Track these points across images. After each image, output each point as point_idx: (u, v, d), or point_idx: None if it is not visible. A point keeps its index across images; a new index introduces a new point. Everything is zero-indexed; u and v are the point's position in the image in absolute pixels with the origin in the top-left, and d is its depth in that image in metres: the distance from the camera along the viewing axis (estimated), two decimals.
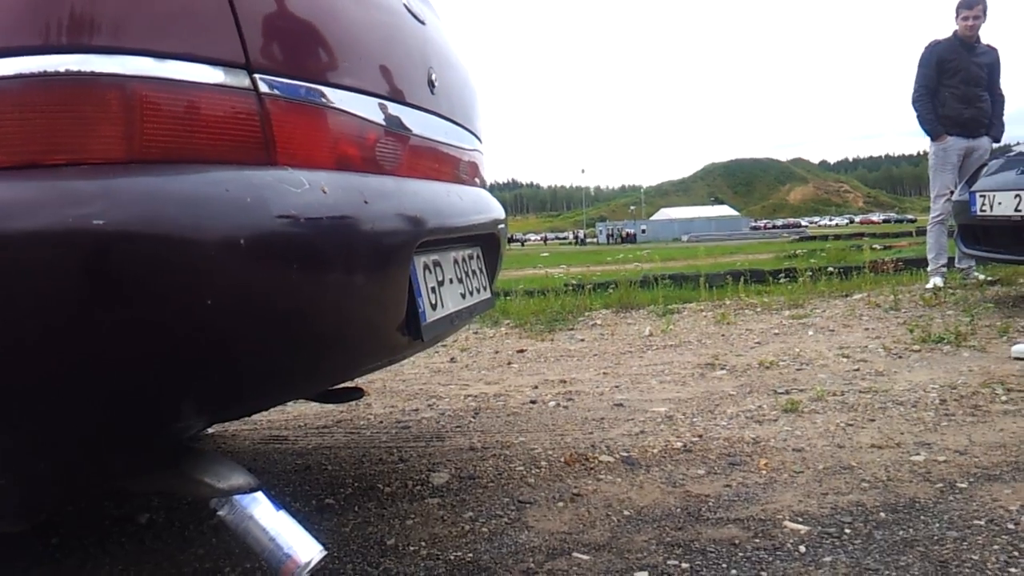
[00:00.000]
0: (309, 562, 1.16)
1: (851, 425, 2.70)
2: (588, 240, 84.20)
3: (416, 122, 1.66)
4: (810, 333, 4.79)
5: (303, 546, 1.17)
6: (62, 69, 0.97)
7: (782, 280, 7.73)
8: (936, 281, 6.33)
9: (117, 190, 0.94)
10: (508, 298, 7.32)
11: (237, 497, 1.17)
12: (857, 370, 3.61)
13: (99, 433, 1.06)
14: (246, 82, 1.14)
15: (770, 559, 1.71)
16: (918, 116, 6.41)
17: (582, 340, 5.20)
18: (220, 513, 1.18)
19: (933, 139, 6.37)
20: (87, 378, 0.99)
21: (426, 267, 1.66)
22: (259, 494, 1.19)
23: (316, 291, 1.19)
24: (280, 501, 1.24)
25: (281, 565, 1.16)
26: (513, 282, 8.60)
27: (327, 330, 1.28)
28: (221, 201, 1.03)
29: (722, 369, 3.87)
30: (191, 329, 1.01)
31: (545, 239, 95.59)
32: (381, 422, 3.14)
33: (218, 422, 1.39)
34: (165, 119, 1.02)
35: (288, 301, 1.14)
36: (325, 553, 1.21)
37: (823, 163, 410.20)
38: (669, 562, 1.71)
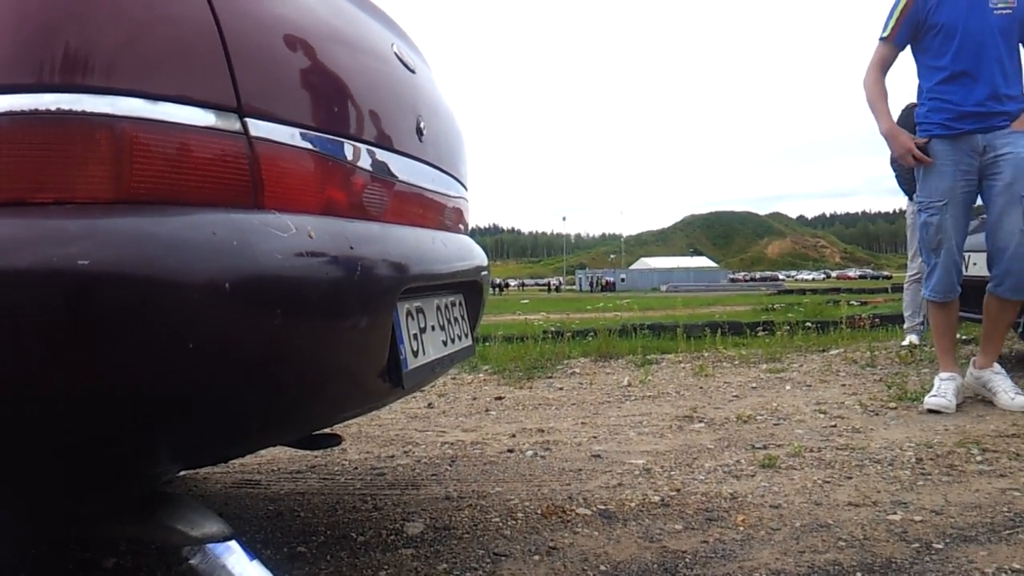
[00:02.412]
0: None
1: (828, 482, 2.69)
2: (564, 288, 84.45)
3: (404, 169, 1.67)
4: (787, 388, 4.80)
5: None
6: (53, 108, 0.96)
7: (760, 333, 7.77)
8: (912, 339, 6.38)
9: (103, 230, 0.94)
10: (487, 344, 7.30)
11: (210, 545, 1.15)
12: (834, 426, 3.61)
13: (71, 476, 1.03)
14: (236, 125, 1.14)
15: None
16: (896, 176, 6.52)
17: (561, 388, 5.18)
18: (192, 562, 1.15)
19: (911, 199, 6.48)
20: (62, 419, 0.97)
21: (409, 313, 1.66)
22: (233, 543, 1.16)
23: (299, 336, 1.18)
24: (252, 549, 1.21)
25: None
26: (492, 327, 8.59)
27: (309, 376, 1.26)
28: (207, 244, 1.02)
29: (700, 422, 3.86)
30: (171, 373, 1.00)
31: (523, 285, 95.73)
32: (356, 468, 3.10)
33: (193, 468, 1.36)
34: (154, 160, 1.02)
35: (271, 346, 1.12)
36: None
37: (801, 218, 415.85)
38: None
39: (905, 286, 6.67)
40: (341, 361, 1.36)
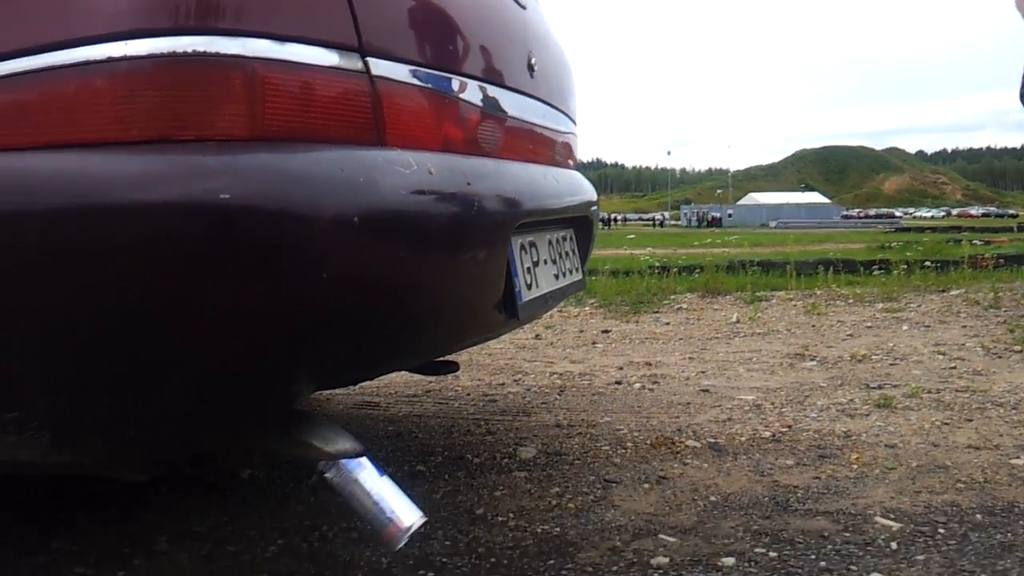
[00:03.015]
0: (410, 527, 1.21)
1: (947, 424, 2.63)
2: (668, 223, 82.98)
3: (516, 105, 1.69)
4: (904, 328, 4.67)
5: (405, 511, 1.22)
6: (190, 50, 1.01)
7: (875, 272, 7.51)
8: None
9: (240, 166, 1.00)
10: (593, 278, 7.31)
11: (343, 461, 1.23)
12: (954, 368, 3.50)
13: (218, 396, 1.12)
14: (359, 65, 1.18)
15: (860, 554, 1.69)
16: None
17: (667, 323, 5.18)
18: (327, 476, 1.24)
19: None
20: (210, 344, 1.05)
21: (522, 247, 1.69)
22: (364, 459, 1.24)
23: (421, 268, 1.24)
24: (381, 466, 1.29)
25: (383, 528, 1.21)
26: (599, 261, 8.58)
27: (430, 306, 1.32)
28: (337, 180, 1.07)
29: (812, 360, 3.80)
30: (307, 301, 1.06)
31: (625, 219, 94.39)
32: (468, 394, 3.21)
33: (326, 389, 1.45)
34: (284, 99, 1.07)
35: (396, 278, 1.18)
36: (425, 519, 1.25)
37: (920, 153, 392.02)
38: (756, 550, 1.71)
39: None
40: (460, 292, 1.41)
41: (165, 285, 1.00)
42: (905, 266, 7.30)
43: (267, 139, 1.04)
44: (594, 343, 4.50)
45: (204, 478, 2.18)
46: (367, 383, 3.31)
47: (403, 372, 3.39)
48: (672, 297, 6.43)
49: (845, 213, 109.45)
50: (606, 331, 4.88)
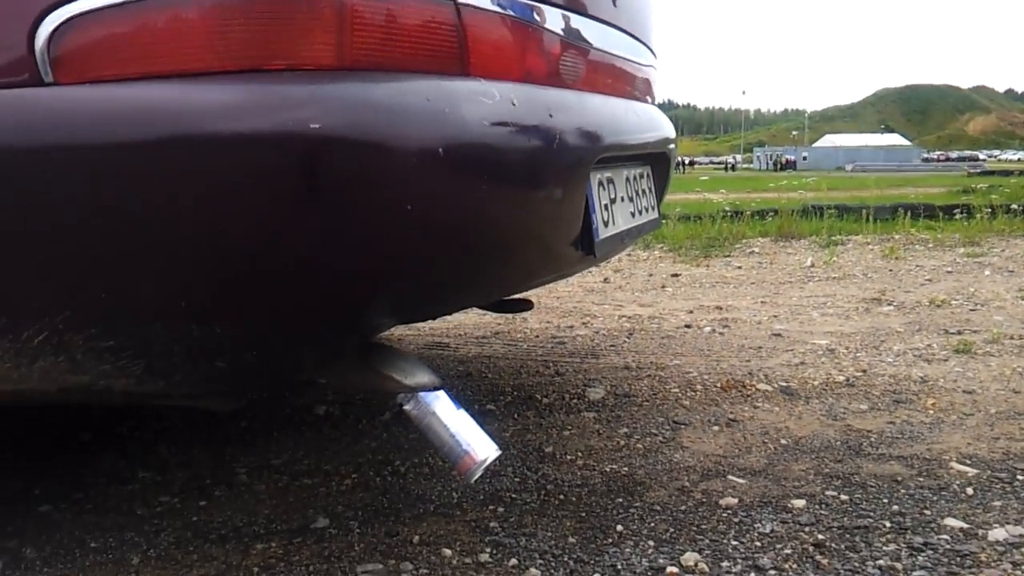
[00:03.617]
0: (485, 460, 1.23)
1: None
2: (741, 166, 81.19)
3: (598, 35, 1.65)
4: (986, 273, 4.51)
5: (480, 445, 1.23)
6: None
7: (957, 216, 7.26)
8: None
9: (330, 96, 1.00)
10: (664, 222, 7.23)
11: (421, 394, 1.25)
12: None
13: (303, 327, 1.14)
14: None
15: (934, 498, 1.66)
16: None
17: (739, 267, 5.10)
18: (406, 408, 1.26)
19: None
20: (297, 275, 1.06)
21: (600, 184, 1.67)
22: (441, 392, 1.26)
23: (502, 201, 1.23)
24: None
25: (459, 460, 1.23)
26: (668, 206, 8.46)
27: (510, 240, 1.32)
28: (422, 110, 1.06)
29: (889, 305, 3.71)
30: (392, 233, 1.07)
31: (692, 163, 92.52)
32: (537, 336, 3.22)
33: (407, 322, 1.47)
34: (371, 28, 1.06)
35: (477, 210, 1.18)
36: (500, 453, 1.27)
37: (1009, 92, 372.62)
38: (827, 492, 1.70)
39: None
40: (539, 227, 1.40)
41: (254, 215, 1.01)
42: (989, 210, 7.02)
43: (355, 69, 1.03)
44: (663, 287, 4.46)
45: (281, 413, 2.24)
46: (437, 324, 3.35)
47: (473, 313, 3.43)
48: (744, 241, 6.32)
49: (926, 156, 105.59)
50: (676, 275, 4.83)
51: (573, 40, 1.52)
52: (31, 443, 2.05)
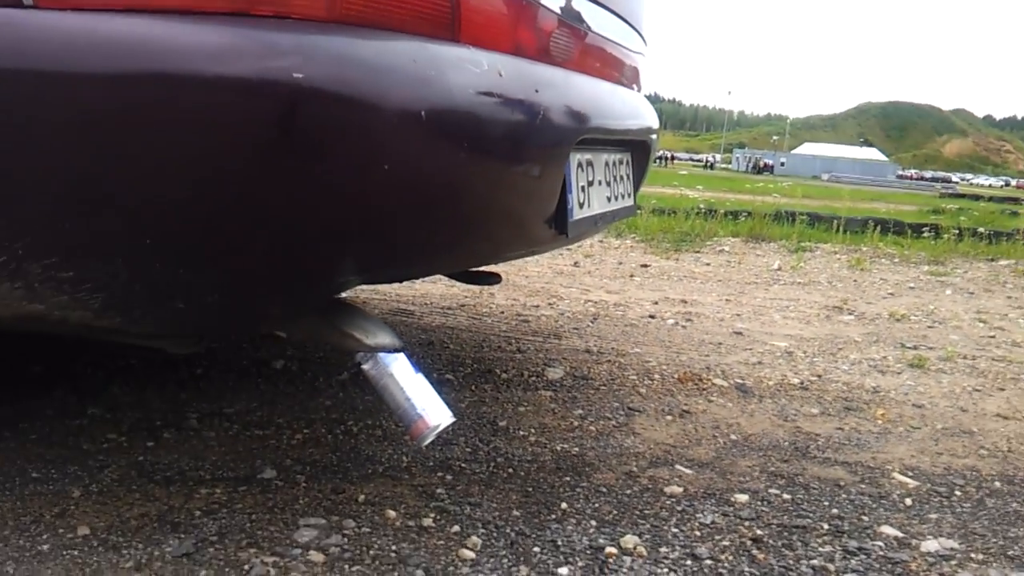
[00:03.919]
0: (438, 425, 1.23)
1: (978, 391, 2.61)
2: (719, 166, 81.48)
3: (591, 16, 1.65)
4: (947, 292, 4.59)
5: (435, 410, 1.24)
6: None
7: (925, 234, 7.37)
8: None
9: (316, 47, 0.99)
10: (638, 211, 7.25)
11: (381, 355, 1.24)
12: (993, 337, 3.46)
13: (268, 276, 1.13)
14: None
15: (873, 505, 1.70)
16: None
17: (707, 264, 5.14)
18: (364, 367, 1.25)
19: None
20: (266, 223, 1.06)
21: (579, 165, 1.67)
22: (401, 355, 1.26)
23: (480, 171, 1.23)
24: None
25: (413, 423, 1.23)
26: (643, 198, 8.50)
27: (484, 211, 1.32)
28: (408, 72, 1.06)
29: (850, 314, 3.77)
30: (366, 190, 1.06)
31: (674, 158, 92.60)
32: (502, 312, 3.22)
33: (373, 283, 1.46)
34: None
35: (454, 177, 1.17)
36: (454, 420, 1.27)
37: (988, 118, 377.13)
38: (771, 490, 1.73)
39: None
40: (514, 201, 1.40)
41: (229, 159, 1.00)
42: (956, 232, 7.13)
43: (344, 23, 1.02)
44: (632, 276, 4.48)
45: (238, 363, 2.23)
46: (403, 291, 3.35)
47: (440, 283, 3.43)
48: (715, 239, 6.37)
49: (900, 173, 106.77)
50: (645, 265, 4.86)
51: (566, 18, 1.51)
52: None
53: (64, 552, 1.27)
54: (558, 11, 1.48)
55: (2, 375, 2.01)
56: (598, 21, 1.69)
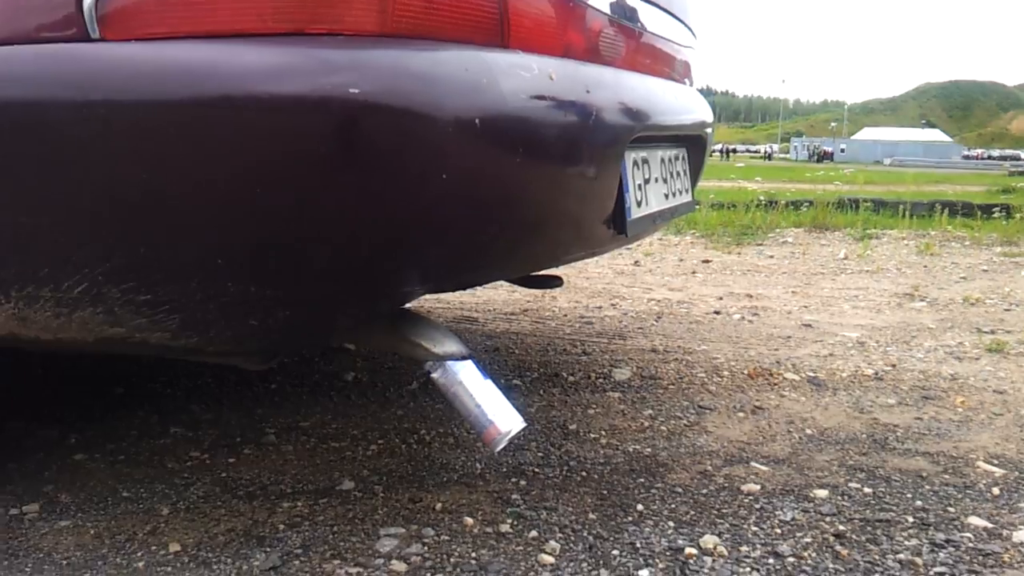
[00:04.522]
0: (510, 431, 1.24)
1: None
2: (777, 156, 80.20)
3: (639, 13, 1.64)
4: (1023, 273, 4.44)
5: (506, 416, 1.24)
6: None
7: (995, 215, 7.14)
8: None
9: (370, 61, 1.00)
10: (696, 208, 7.19)
11: (449, 363, 1.26)
12: None
13: (335, 290, 1.15)
14: None
15: (959, 496, 1.65)
16: None
17: (771, 256, 5.06)
18: (433, 376, 1.27)
19: None
20: (330, 238, 1.08)
21: (635, 163, 1.66)
22: (469, 362, 1.26)
23: (536, 175, 1.23)
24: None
25: (484, 430, 1.24)
26: (702, 193, 8.42)
27: (542, 215, 1.32)
28: (461, 80, 1.07)
29: (922, 301, 3.67)
30: (426, 201, 1.07)
31: (735, 151, 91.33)
32: (565, 315, 3.22)
33: (438, 291, 1.48)
34: None
35: (511, 183, 1.18)
36: (525, 425, 1.28)
37: None
38: (851, 484, 1.69)
39: None
40: (572, 203, 1.40)
41: (291, 176, 1.02)
42: None
43: (396, 36, 1.04)
44: (694, 272, 4.44)
45: (311, 377, 2.27)
46: (466, 299, 3.37)
47: (503, 289, 3.45)
48: (777, 230, 6.27)
49: (966, 153, 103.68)
50: (707, 261, 4.81)
51: (613, 16, 1.51)
52: (68, 394, 2.10)
53: (158, 569, 1.31)
54: (606, 10, 1.48)
55: (89, 396, 2.08)
56: (646, 18, 1.69)
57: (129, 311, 1.11)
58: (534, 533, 1.45)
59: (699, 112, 2.09)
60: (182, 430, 1.88)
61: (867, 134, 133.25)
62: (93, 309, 1.11)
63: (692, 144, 2.12)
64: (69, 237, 1.09)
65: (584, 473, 1.71)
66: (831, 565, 1.37)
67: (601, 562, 1.36)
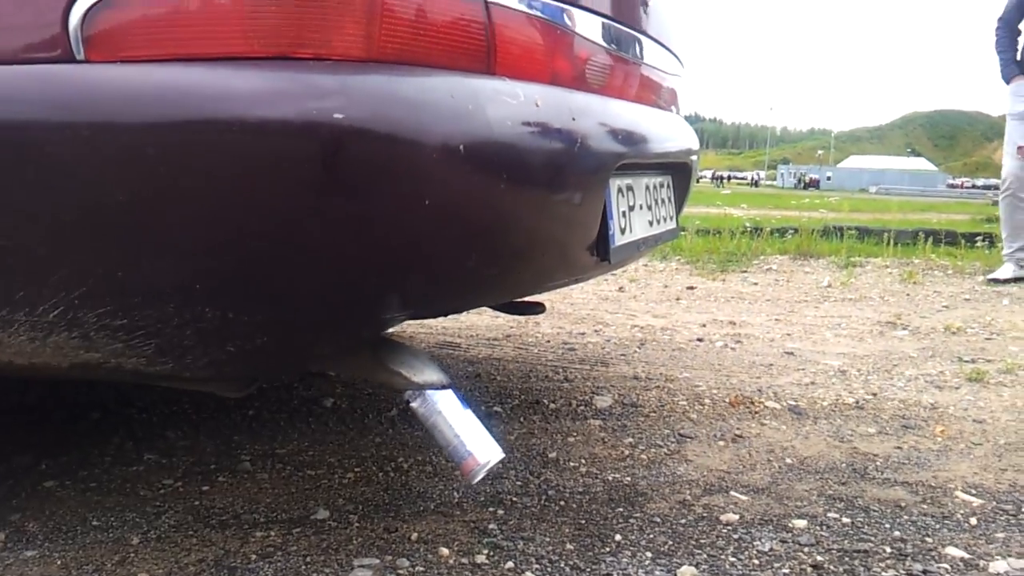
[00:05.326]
0: (488, 462, 1.22)
1: None
2: (764, 183, 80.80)
3: (626, 41, 1.65)
4: (1004, 303, 4.47)
5: (485, 447, 1.23)
6: None
7: (978, 244, 7.20)
8: (1007, 271, 5.19)
9: (355, 87, 1.00)
10: (681, 234, 7.22)
11: (429, 392, 1.24)
12: None
13: (316, 316, 1.14)
14: None
15: (937, 526, 1.64)
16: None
17: (755, 284, 5.07)
18: (413, 405, 1.25)
19: (1007, 83, 5.35)
20: (312, 264, 1.07)
21: (620, 190, 1.67)
22: (449, 391, 1.25)
23: (520, 202, 1.23)
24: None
25: (462, 461, 1.23)
26: (687, 219, 8.45)
27: (525, 242, 1.31)
28: (446, 107, 1.06)
29: (904, 329, 3.69)
30: (409, 227, 1.07)
31: (730, 178, 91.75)
32: (548, 341, 3.21)
33: (419, 318, 1.47)
34: (400, 21, 1.06)
35: (495, 210, 1.18)
36: (503, 456, 1.26)
37: None
38: (829, 514, 1.68)
39: (1000, 199, 5.52)
40: (556, 230, 1.40)
41: (274, 201, 1.01)
42: None
43: (382, 61, 1.04)
44: (678, 299, 4.44)
45: (289, 403, 2.25)
46: (448, 324, 3.36)
47: (485, 315, 3.43)
48: (762, 257, 6.29)
49: (951, 182, 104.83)
50: (691, 288, 4.82)
51: (601, 44, 1.52)
52: (41, 419, 2.06)
53: None
54: (593, 38, 1.48)
55: (63, 421, 2.05)
56: (633, 46, 1.69)
57: (105, 336, 1.10)
58: (510, 564, 1.43)
59: (685, 140, 2.10)
60: (156, 456, 1.85)
61: (853, 162, 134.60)
62: (68, 333, 1.10)
63: (677, 171, 2.12)
64: (46, 260, 1.07)
65: (563, 502, 1.70)
66: None
67: None
